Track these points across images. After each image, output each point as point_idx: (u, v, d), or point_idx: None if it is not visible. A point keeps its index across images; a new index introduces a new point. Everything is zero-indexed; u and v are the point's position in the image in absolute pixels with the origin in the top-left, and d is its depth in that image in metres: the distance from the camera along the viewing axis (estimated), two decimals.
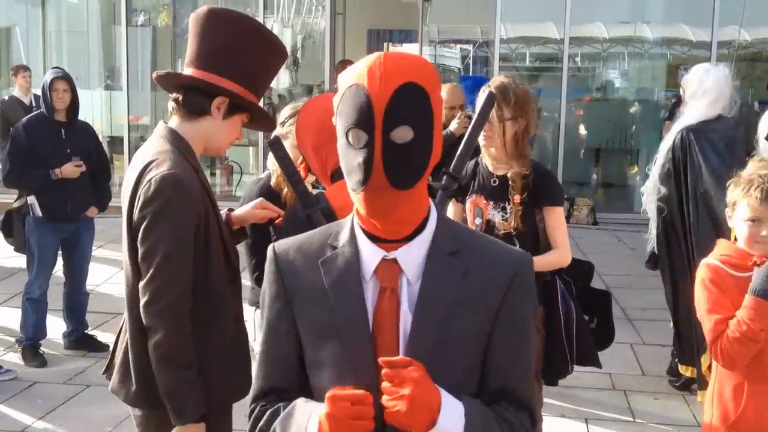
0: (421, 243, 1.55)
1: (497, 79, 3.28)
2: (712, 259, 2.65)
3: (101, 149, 5.96)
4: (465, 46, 16.75)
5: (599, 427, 4.60)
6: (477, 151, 3.27)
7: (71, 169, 5.39)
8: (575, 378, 5.05)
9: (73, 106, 5.51)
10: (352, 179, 1.50)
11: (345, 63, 8.98)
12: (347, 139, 1.49)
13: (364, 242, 1.56)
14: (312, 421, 1.49)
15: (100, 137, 6.68)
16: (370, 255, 1.55)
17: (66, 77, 5.49)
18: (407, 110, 1.46)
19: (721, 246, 2.70)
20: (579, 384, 5.09)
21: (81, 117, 5.70)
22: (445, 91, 4.93)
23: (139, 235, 2.31)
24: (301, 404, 1.56)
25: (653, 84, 12.32)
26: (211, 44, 2.39)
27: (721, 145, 4.59)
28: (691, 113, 4.69)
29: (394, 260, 1.54)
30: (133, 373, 2.43)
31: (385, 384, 1.44)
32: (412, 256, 1.54)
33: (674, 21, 11.87)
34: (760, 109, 7.29)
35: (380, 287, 1.54)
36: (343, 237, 1.59)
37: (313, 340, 1.58)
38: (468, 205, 3.39)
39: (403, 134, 1.46)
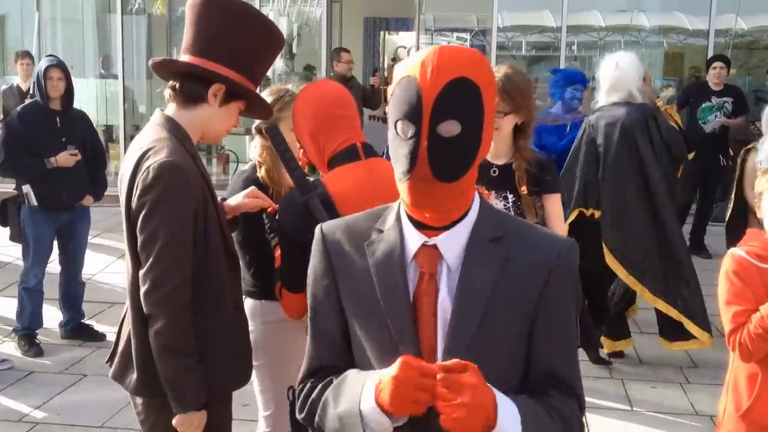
0: (463, 230, 1.56)
1: (499, 68, 3.25)
2: (738, 250, 2.63)
3: (97, 138, 5.93)
4: (462, 35, 16.70)
5: (597, 415, 4.60)
6: None
7: (66, 158, 5.36)
8: None
9: (68, 94, 5.48)
10: (398, 169, 1.52)
11: (341, 51, 8.94)
12: (396, 129, 1.50)
13: (408, 228, 1.58)
14: (369, 382, 1.49)
15: (95, 126, 6.64)
16: (413, 240, 1.57)
17: (60, 65, 5.45)
18: (457, 105, 1.47)
19: (750, 236, 2.68)
20: None
21: (76, 106, 5.67)
22: None
23: (138, 223, 2.30)
24: (353, 373, 1.58)
25: (650, 72, 12.26)
26: (207, 31, 2.37)
27: (611, 129, 4.87)
28: (597, 101, 5.14)
29: (435, 246, 1.55)
30: (134, 362, 2.42)
31: (441, 390, 1.41)
32: (453, 242, 1.55)
33: (671, 9, 11.85)
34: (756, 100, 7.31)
35: (420, 272, 1.55)
36: (390, 221, 1.61)
37: (357, 317, 1.61)
38: None
39: (450, 128, 1.47)
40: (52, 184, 5.37)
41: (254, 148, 3.15)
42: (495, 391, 1.45)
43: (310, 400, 1.64)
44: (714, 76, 8.07)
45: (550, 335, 1.57)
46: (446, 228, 1.55)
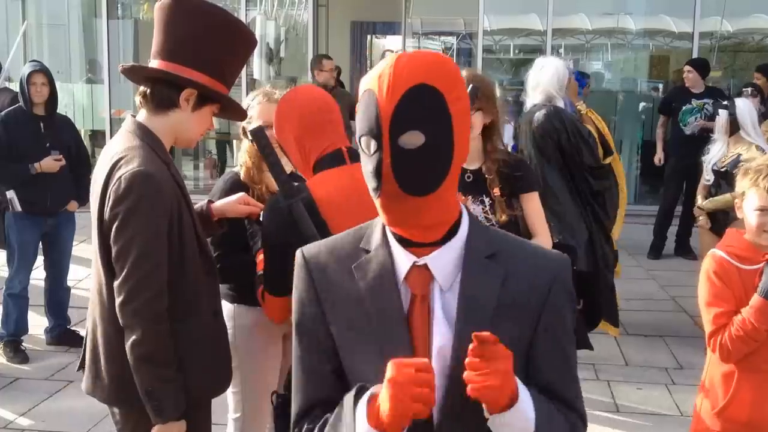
0: (454, 247, 1.50)
1: (466, 70, 3.30)
2: (718, 251, 2.64)
3: (81, 143, 5.90)
4: (448, 38, 16.72)
5: None
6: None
7: (50, 163, 5.33)
8: None
9: (52, 99, 5.45)
10: (369, 186, 1.47)
11: (321, 59, 8.90)
12: (361, 146, 1.45)
13: (396, 247, 1.51)
14: (360, 406, 1.42)
15: (82, 131, 6.62)
16: (401, 260, 1.50)
17: (44, 70, 5.43)
18: (417, 114, 1.40)
19: (730, 236, 2.68)
20: None
21: (62, 111, 5.66)
22: None
23: (112, 234, 2.27)
24: (347, 402, 1.47)
25: (636, 75, 12.35)
26: (176, 34, 2.34)
27: (528, 131, 4.92)
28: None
29: (425, 266, 1.48)
30: (109, 373, 2.40)
31: (472, 359, 1.37)
32: (444, 261, 1.48)
33: (656, 12, 11.90)
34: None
35: (411, 294, 1.49)
36: (375, 240, 1.54)
37: (350, 346, 1.53)
38: None
39: (412, 139, 1.40)
40: (37, 189, 5.35)
41: (243, 152, 3.15)
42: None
43: None
44: (686, 80, 8.14)
45: (550, 354, 1.53)
46: (434, 244, 1.49)
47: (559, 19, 10.94)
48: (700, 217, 5.76)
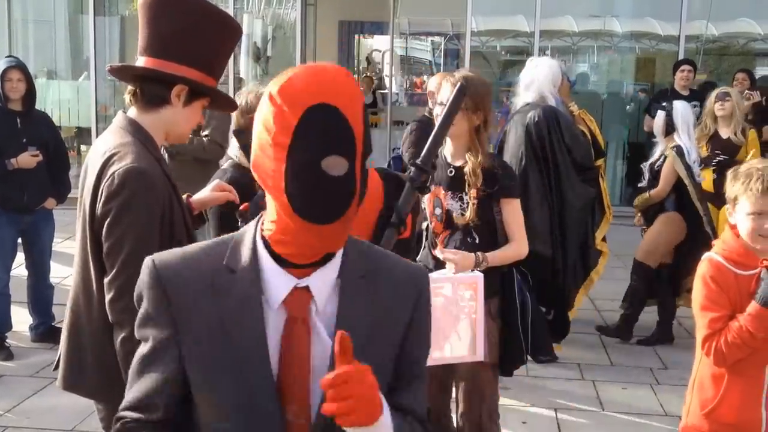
0: (332, 267, 1.45)
1: (463, 71, 3.32)
2: (714, 255, 2.63)
3: (60, 140, 5.84)
4: (436, 39, 16.76)
5: (568, 416, 4.63)
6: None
7: (27, 159, 5.29)
8: (545, 369, 5.10)
9: (29, 95, 5.41)
10: (318, 212, 1.38)
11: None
12: (320, 166, 1.37)
13: (270, 267, 1.42)
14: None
15: (69, 128, 6.57)
16: (279, 283, 1.42)
17: (20, 66, 5.39)
18: (368, 134, 1.41)
19: (726, 240, 2.66)
20: (548, 374, 5.14)
21: (48, 107, 5.61)
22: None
23: (104, 230, 2.27)
24: None
25: (622, 77, 12.41)
26: (162, 30, 2.33)
27: (520, 131, 4.87)
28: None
29: (306, 287, 1.42)
30: (96, 368, 2.40)
31: (330, 392, 1.29)
32: (323, 281, 1.44)
33: (643, 15, 11.96)
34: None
35: (288, 317, 1.42)
36: (244, 258, 1.44)
37: (204, 374, 1.43)
38: (428, 195, 3.41)
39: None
40: (13, 185, 5.29)
41: (235, 149, 3.16)
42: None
43: None
44: (681, 79, 8.17)
45: (409, 371, 1.52)
46: (313, 265, 1.43)
47: (547, 21, 10.99)
48: (636, 216, 6.03)
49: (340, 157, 1.35)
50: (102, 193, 2.27)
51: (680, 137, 5.58)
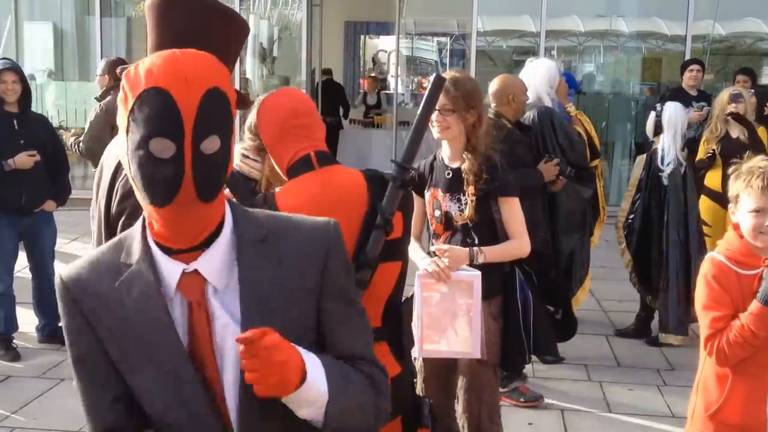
0: (221, 244, 1.46)
1: (449, 72, 3.33)
2: (716, 254, 2.62)
3: (58, 141, 5.83)
4: (442, 39, 16.76)
5: (575, 418, 4.63)
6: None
7: (24, 159, 5.28)
8: (551, 369, 5.09)
9: (25, 96, 5.40)
10: (152, 194, 1.38)
11: (117, 63, 8.16)
12: (146, 149, 1.35)
13: (159, 256, 1.45)
14: None
15: (73, 129, 6.58)
16: (170, 270, 1.44)
17: (14, 68, 5.40)
18: (216, 117, 1.38)
19: (729, 240, 2.65)
20: (554, 375, 5.13)
21: (55, 108, 5.62)
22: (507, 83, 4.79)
23: (118, 229, 2.28)
24: None
25: (628, 77, 12.40)
26: (173, 30, 2.30)
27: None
28: None
29: (196, 271, 1.44)
30: None
31: (245, 362, 1.35)
32: (214, 262, 1.45)
33: (649, 15, 11.95)
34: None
35: (188, 303, 1.44)
36: (135, 252, 1.46)
37: (129, 369, 1.46)
38: (427, 197, 3.43)
39: (212, 144, 1.37)
40: (11, 186, 5.28)
41: (237, 154, 3.13)
42: (299, 348, 1.42)
43: None
44: (690, 79, 8.12)
45: (340, 321, 1.53)
46: (199, 248, 1.44)
47: (553, 21, 10.98)
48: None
49: (165, 139, 1.34)
50: (117, 192, 2.28)
51: (663, 138, 5.62)
